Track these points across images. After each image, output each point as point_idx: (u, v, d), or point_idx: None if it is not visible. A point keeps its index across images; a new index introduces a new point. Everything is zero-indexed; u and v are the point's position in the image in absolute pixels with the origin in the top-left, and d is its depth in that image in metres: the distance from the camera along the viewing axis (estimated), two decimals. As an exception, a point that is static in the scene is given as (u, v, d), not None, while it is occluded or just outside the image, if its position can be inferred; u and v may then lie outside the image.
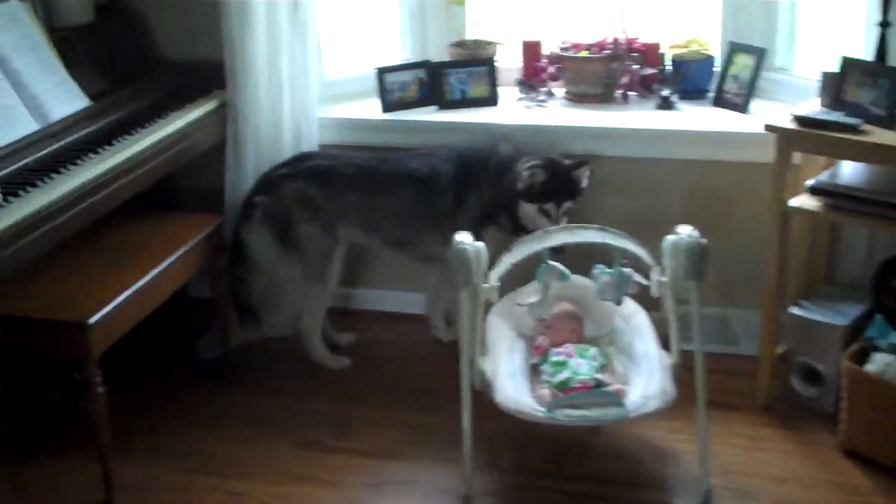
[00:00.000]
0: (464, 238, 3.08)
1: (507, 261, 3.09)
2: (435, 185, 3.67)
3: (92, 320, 2.92)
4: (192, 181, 3.87)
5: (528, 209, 3.53)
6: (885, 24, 3.25)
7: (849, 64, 3.28)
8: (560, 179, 3.51)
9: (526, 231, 3.47)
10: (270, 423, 3.51)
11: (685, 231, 3.09)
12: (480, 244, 3.08)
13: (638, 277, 3.13)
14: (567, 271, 3.11)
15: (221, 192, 3.82)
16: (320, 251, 3.70)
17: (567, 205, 3.51)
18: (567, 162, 3.54)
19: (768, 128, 3.28)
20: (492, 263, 3.10)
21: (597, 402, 3.01)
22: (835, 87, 3.30)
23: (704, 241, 3.03)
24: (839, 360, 3.33)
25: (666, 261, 3.13)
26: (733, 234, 3.65)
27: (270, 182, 3.69)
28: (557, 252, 3.22)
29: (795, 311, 3.46)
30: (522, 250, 3.08)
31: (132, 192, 3.27)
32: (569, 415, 2.96)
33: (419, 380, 3.73)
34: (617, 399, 3.01)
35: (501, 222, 3.61)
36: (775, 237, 3.35)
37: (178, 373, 3.80)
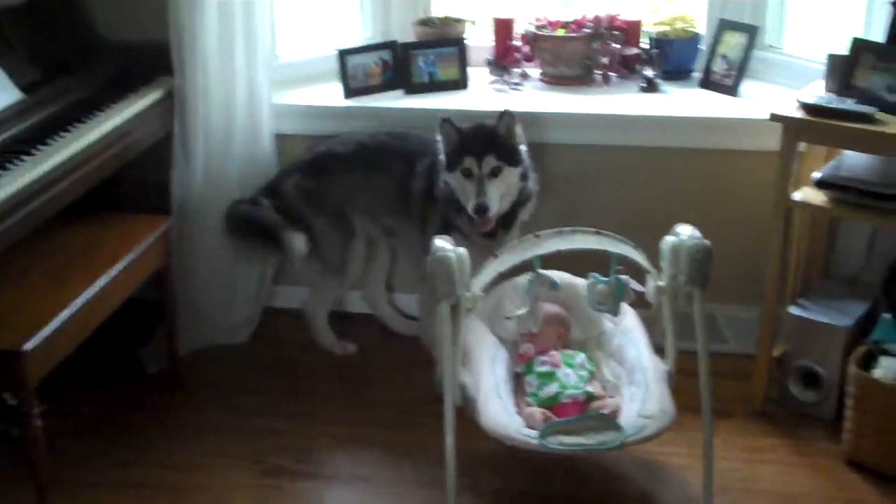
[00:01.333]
0: (444, 243, 2.78)
1: (493, 269, 2.78)
2: (413, 172, 3.36)
3: (26, 347, 2.56)
4: (133, 176, 3.41)
5: (454, 180, 3.16)
6: (899, 3, 2.98)
7: (860, 46, 3.01)
8: (478, 133, 3.15)
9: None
10: (227, 446, 3.17)
11: (686, 232, 2.82)
12: (462, 250, 2.78)
13: (635, 285, 2.86)
14: (558, 281, 2.82)
15: (165, 187, 3.46)
16: (336, 244, 3.44)
17: (491, 160, 3.11)
18: (489, 123, 3.16)
19: (774, 117, 3.01)
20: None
21: (592, 426, 2.74)
22: (843, 71, 3.04)
23: (708, 243, 2.77)
24: (842, 364, 3.12)
25: (664, 264, 2.87)
26: (723, 226, 3.34)
27: (275, 183, 3.46)
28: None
29: (795, 310, 3.23)
30: (510, 258, 2.77)
31: (72, 198, 2.91)
32: (563, 442, 2.69)
33: (393, 392, 3.42)
34: (613, 422, 2.74)
35: (461, 225, 3.23)
36: (778, 232, 3.10)
37: (121, 388, 3.45)
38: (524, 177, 3.23)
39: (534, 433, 2.71)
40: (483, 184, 3.11)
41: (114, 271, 2.95)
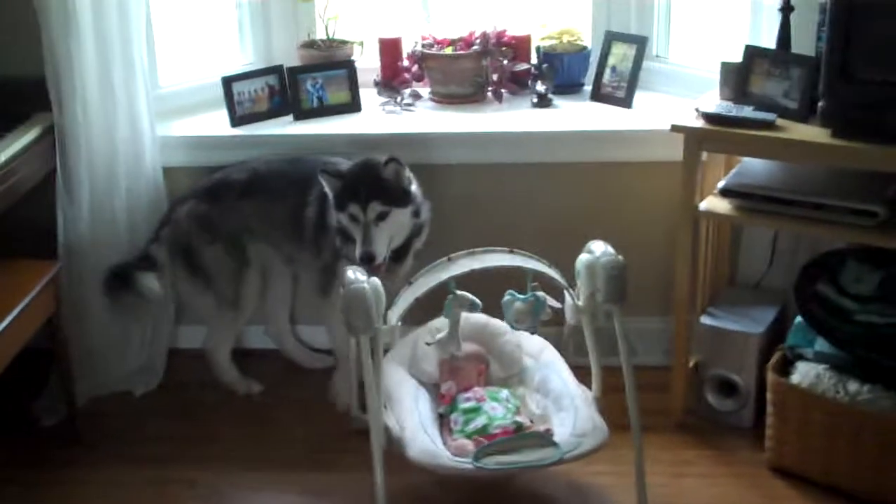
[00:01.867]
0: (357, 275, 2.69)
1: (408, 296, 2.72)
2: (306, 200, 3.24)
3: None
4: (14, 220, 3.18)
5: (342, 220, 3.04)
6: (788, 9, 3.01)
7: (754, 53, 3.04)
8: (363, 175, 3.03)
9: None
10: (135, 501, 3.01)
11: (599, 249, 2.81)
12: (376, 280, 2.70)
13: (552, 301, 2.81)
14: (477, 301, 2.75)
15: (49, 229, 3.28)
16: (230, 273, 3.31)
17: (377, 206, 2.99)
18: (375, 160, 3.07)
19: (675, 128, 3.00)
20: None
21: (528, 444, 2.68)
22: (738, 78, 3.06)
23: (622, 259, 2.77)
24: (757, 371, 3.14)
25: (580, 282, 2.86)
26: (626, 239, 3.25)
27: (169, 210, 3.37)
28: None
29: (707, 320, 3.23)
30: (424, 283, 2.71)
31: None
32: (500, 462, 2.62)
33: (304, 429, 3.29)
34: (549, 439, 2.69)
35: (354, 257, 3.08)
36: (686, 242, 3.10)
37: (14, 443, 3.23)
38: (416, 213, 3.13)
39: (467, 458, 2.64)
40: (369, 230, 3.00)
41: (2, 324, 2.75)
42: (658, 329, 3.45)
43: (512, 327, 2.85)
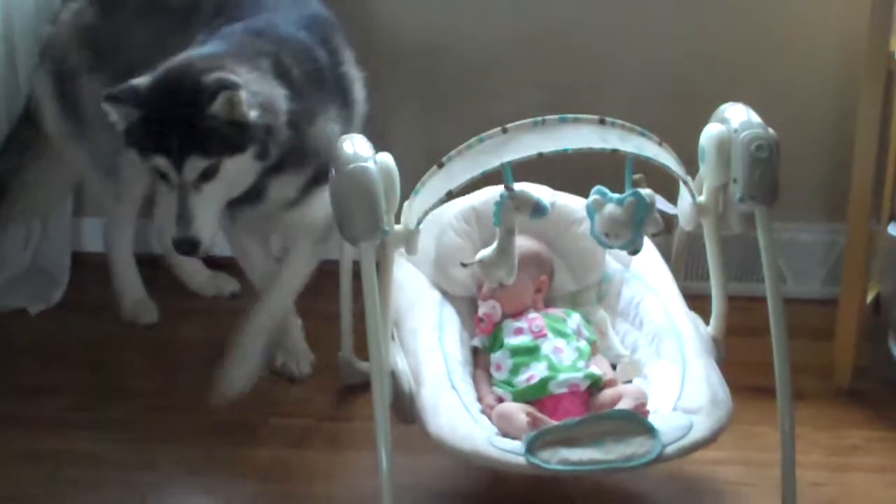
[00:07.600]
0: (356, 147, 2.64)
1: (438, 186, 2.64)
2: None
3: None
4: None
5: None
6: None
7: None
8: (171, 107, 2.85)
9: None
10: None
11: (738, 117, 2.76)
12: (387, 157, 2.67)
13: (663, 204, 2.77)
14: (545, 202, 2.70)
15: None
16: (108, 126, 3.18)
17: (197, 164, 2.85)
18: (193, 76, 2.87)
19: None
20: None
21: (609, 429, 2.61)
22: None
23: (773, 133, 2.72)
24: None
25: (705, 166, 2.83)
26: (775, 101, 3.27)
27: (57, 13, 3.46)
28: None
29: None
30: (464, 168, 2.62)
31: None
32: (567, 459, 2.54)
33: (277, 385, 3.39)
34: (643, 422, 2.62)
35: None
36: (873, 108, 3.07)
37: None
38: (265, 153, 2.97)
39: (515, 446, 2.59)
40: (186, 200, 2.89)
41: None
42: (819, 243, 3.55)
43: (601, 244, 2.80)
